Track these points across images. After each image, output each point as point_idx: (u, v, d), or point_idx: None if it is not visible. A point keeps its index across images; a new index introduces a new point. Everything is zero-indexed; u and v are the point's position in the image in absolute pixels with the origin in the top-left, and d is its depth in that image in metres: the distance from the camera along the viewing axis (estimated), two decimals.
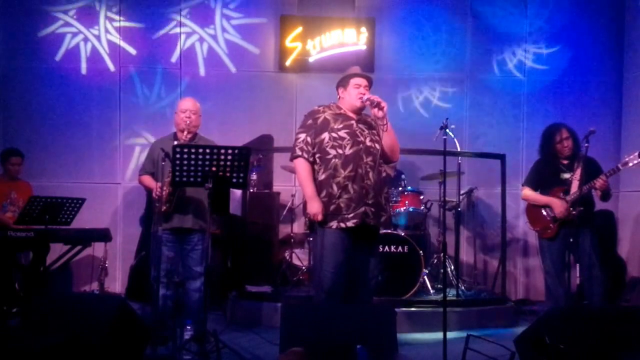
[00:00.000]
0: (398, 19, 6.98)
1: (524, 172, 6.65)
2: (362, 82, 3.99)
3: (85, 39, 6.73)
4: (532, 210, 5.03)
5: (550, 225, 4.86)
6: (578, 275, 4.49)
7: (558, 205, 4.80)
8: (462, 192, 6.15)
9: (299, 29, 6.79)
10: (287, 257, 6.14)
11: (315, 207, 3.82)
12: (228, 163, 3.91)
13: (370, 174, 3.87)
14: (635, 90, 6.69)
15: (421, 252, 5.38)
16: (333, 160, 3.87)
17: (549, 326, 3.23)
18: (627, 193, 6.63)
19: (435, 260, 6.05)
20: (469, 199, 6.51)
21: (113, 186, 6.73)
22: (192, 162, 3.88)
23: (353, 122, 3.94)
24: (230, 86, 6.86)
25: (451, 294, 5.46)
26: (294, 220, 6.24)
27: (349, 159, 3.85)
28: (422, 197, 5.98)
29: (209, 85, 6.82)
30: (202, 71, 6.84)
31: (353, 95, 3.95)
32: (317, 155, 3.92)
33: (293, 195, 6.33)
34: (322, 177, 3.89)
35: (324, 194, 3.87)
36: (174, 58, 6.80)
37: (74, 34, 6.72)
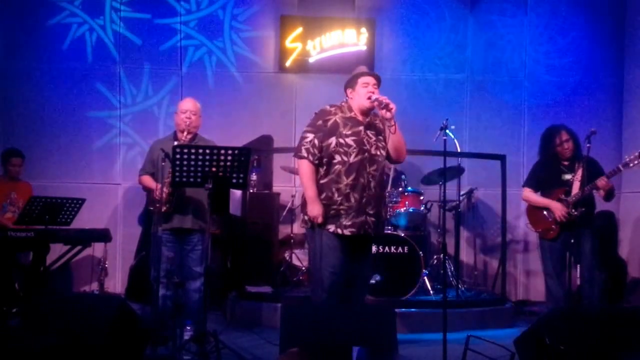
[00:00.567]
0: (398, 20, 6.97)
1: (524, 172, 6.65)
2: (371, 80, 3.95)
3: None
4: (534, 211, 5.03)
5: (552, 226, 4.85)
6: (578, 276, 4.49)
7: (558, 208, 4.79)
8: (462, 192, 6.16)
9: (299, 30, 6.78)
10: (287, 258, 6.14)
11: (316, 210, 3.82)
12: (228, 163, 3.91)
13: (372, 184, 3.86)
14: (636, 91, 6.69)
15: (421, 252, 5.37)
16: (337, 166, 3.85)
17: (549, 327, 3.23)
18: (628, 194, 6.63)
19: (435, 261, 6.05)
20: (469, 200, 6.50)
21: (113, 186, 6.73)
22: (192, 163, 3.88)
23: (362, 128, 3.90)
24: (230, 86, 6.87)
25: (451, 294, 5.45)
26: (293, 221, 6.24)
27: (353, 167, 3.83)
28: (422, 198, 5.98)
29: (209, 86, 6.83)
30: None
31: (362, 94, 3.91)
32: (323, 160, 3.89)
33: (293, 196, 6.33)
34: (324, 180, 3.88)
35: (323, 196, 3.86)
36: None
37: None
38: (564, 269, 4.81)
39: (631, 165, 4.53)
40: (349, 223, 3.81)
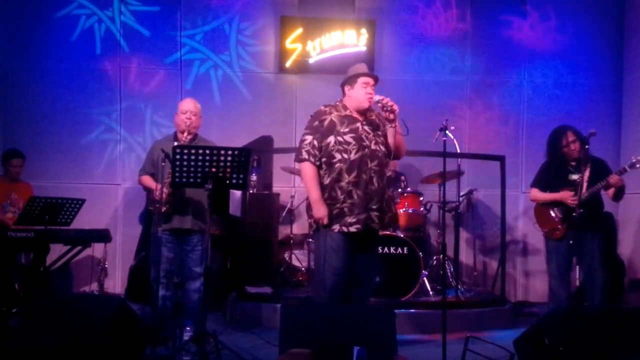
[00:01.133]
0: (398, 21, 6.97)
1: (524, 173, 6.67)
2: (370, 81, 3.97)
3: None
4: (540, 210, 5.00)
5: (559, 226, 4.84)
6: (577, 276, 4.48)
7: (570, 194, 4.74)
8: (461, 193, 6.16)
9: (299, 30, 6.79)
10: (287, 258, 6.15)
11: (321, 211, 3.83)
12: (228, 164, 3.91)
13: (375, 179, 3.88)
14: (636, 92, 6.69)
15: (421, 253, 5.37)
16: (338, 164, 3.86)
17: (548, 327, 3.23)
18: (628, 195, 6.57)
19: (435, 262, 6.05)
20: (468, 201, 6.51)
21: (113, 187, 6.73)
22: (192, 163, 3.88)
23: (359, 124, 3.93)
24: (230, 86, 6.87)
25: (451, 295, 5.45)
26: (293, 222, 6.24)
27: (354, 164, 3.85)
28: (421, 199, 5.98)
29: (210, 86, 6.84)
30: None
31: (361, 94, 3.93)
32: (322, 160, 3.91)
33: (293, 197, 6.34)
34: (326, 181, 3.89)
35: (326, 195, 3.87)
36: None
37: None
38: (568, 270, 4.80)
39: (638, 165, 4.53)
40: (354, 220, 3.82)
